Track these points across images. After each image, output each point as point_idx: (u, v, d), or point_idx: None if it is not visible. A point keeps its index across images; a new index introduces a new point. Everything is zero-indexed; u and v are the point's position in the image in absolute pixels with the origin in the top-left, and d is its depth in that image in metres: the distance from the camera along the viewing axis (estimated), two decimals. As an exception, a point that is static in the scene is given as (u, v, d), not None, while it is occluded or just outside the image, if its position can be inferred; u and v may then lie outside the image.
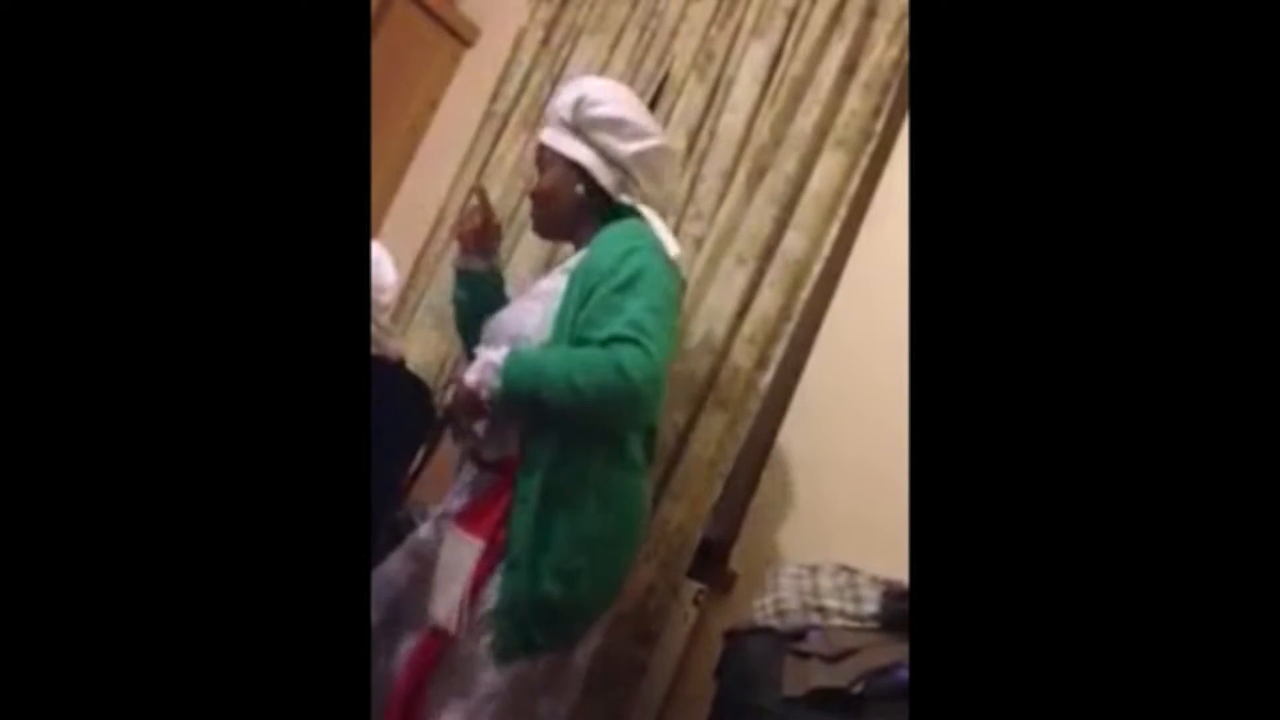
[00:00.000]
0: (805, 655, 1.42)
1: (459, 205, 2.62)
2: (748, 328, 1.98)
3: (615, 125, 1.65)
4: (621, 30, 2.48)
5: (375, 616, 1.58)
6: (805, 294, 1.98)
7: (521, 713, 1.51)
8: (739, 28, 2.25)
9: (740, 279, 2.01)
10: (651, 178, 1.71)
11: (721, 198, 2.11)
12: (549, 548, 1.49)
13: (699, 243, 2.09)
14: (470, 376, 1.54)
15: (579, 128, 1.67)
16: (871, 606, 1.48)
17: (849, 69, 2.05)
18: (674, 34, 2.38)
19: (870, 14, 2.07)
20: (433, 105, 2.94)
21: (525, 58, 2.66)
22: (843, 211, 1.99)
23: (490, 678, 1.48)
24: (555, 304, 1.59)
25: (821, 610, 1.49)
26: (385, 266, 1.98)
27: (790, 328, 1.98)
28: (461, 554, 1.53)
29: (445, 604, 1.50)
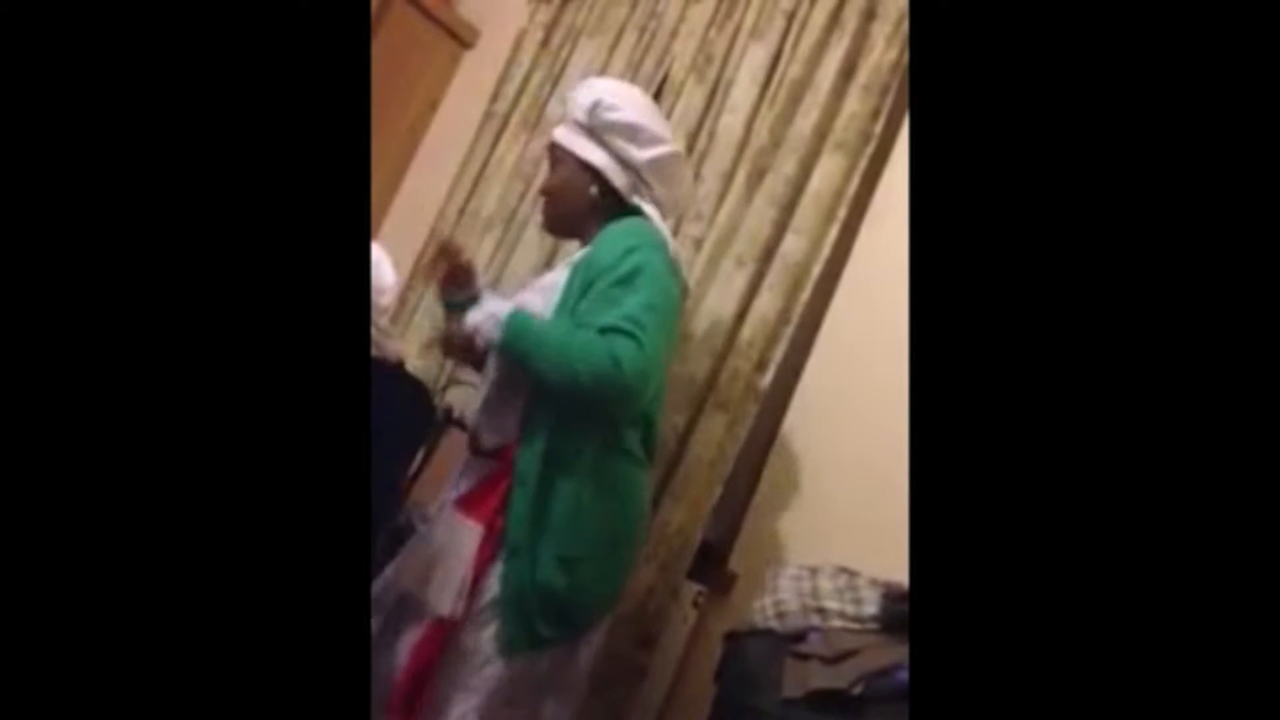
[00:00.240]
0: (805, 657, 1.42)
1: (459, 206, 2.62)
2: (747, 330, 1.98)
3: (631, 131, 1.66)
4: (621, 32, 2.49)
5: (377, 622, 1.58)
6: (805, 296, 1.98)
7: (527, 709, 1.52)
8: (738, 30, 2.26)
9: (740, 281, 2.01)
10: (664, 182, 1.72)
11: (721, 199, 2.11)
12: (548, 533, 1.50)
13: (698, 244, 2.09)
14: (472, 320, 1.57)
15: (594, 130, 1.67)
16: (871, 608, 1.47)
17: (848, 71, 2.05)
18: (673, 36, 2.38)
19: (869, 16, 2.07)
20: (432, 106, 2.95)
21: (524, 59, 2.67)
22: (842, 213, 1.99)
23: (494, 671, 1.49)
24: (555, 296, 1.60)
25: (821, 612, 1.49)
26: (384, 268, 1.98)
27: (790, 330, 1.98)
28: (461, 538, 1.53)
29: (447, 590, 1.50)
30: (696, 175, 2.15)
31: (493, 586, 1.50)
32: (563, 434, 1.53)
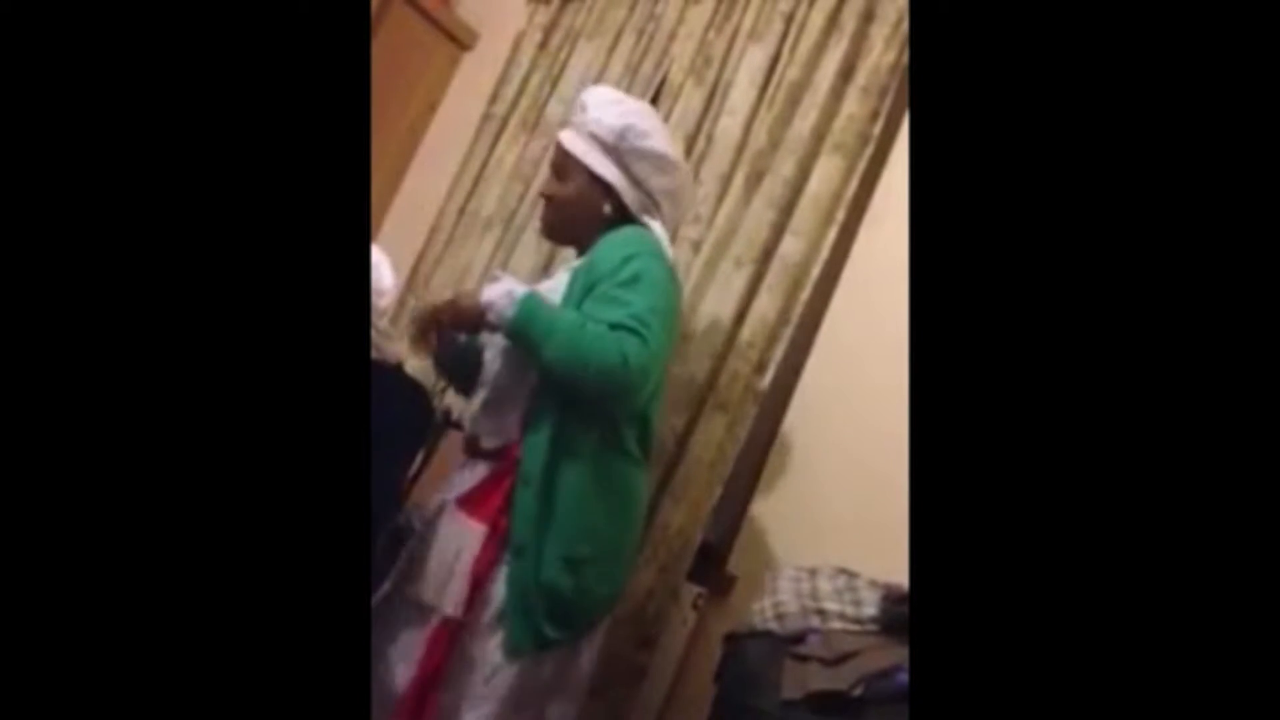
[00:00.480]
0: (804, 658, 1.42)
1: (458, 208, 2.62)
2: (746, 331, 1.98)
3: (657, 160, 1.69)
4: (619, 34, 2.49)
5: (378, 626, 1.58)
6: (803, 297, 1.98)
7: (534, 712, 1.52)
8: (736, 32, 2.26)
9: (738, 282, 2.01)
10: (674, 204, 1.76)
11: (719, 201, 2.11)
12: (553, 533, 1.51)
13: (697, 246, 2.09)
14: (488, 295, 1.56)
15: (619, 152, 1.68)
16: (871, 609, 1.47)
17: (846, 73, 2.05)
18: (672, 38, 2.38)
19: (867, 18, 2.07)
20: (431, 108, 2.95)
21: (523, 61, 2.67)
22: (840, 215, 1.99)
23: (503, 679, 1.49)
24: (556, 301, 1.61)
25: (821, 613, 1.49)
26: (384, 270, 1.98)
27: (788, 331, 1.98)
28: (463, 539, 1.54)
29: (450, 590, 1.51)
30: (695, 177, 2.14)
31: (499, 593, 1.51)
32: (565, 433, 1.53)
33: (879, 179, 2.05)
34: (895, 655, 1.36)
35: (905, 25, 2.01)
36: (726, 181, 2.12)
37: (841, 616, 1.48)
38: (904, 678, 1.31)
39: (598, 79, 2.47)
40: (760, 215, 2.03)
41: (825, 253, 1.99)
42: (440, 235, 2.63)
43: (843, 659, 1.39)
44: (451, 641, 1.50)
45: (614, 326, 1.49)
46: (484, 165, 2.62)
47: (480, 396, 1.68)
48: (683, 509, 1.93)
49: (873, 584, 1.52)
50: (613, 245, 1.61)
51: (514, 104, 2.63)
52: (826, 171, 2.00)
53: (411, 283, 2.62)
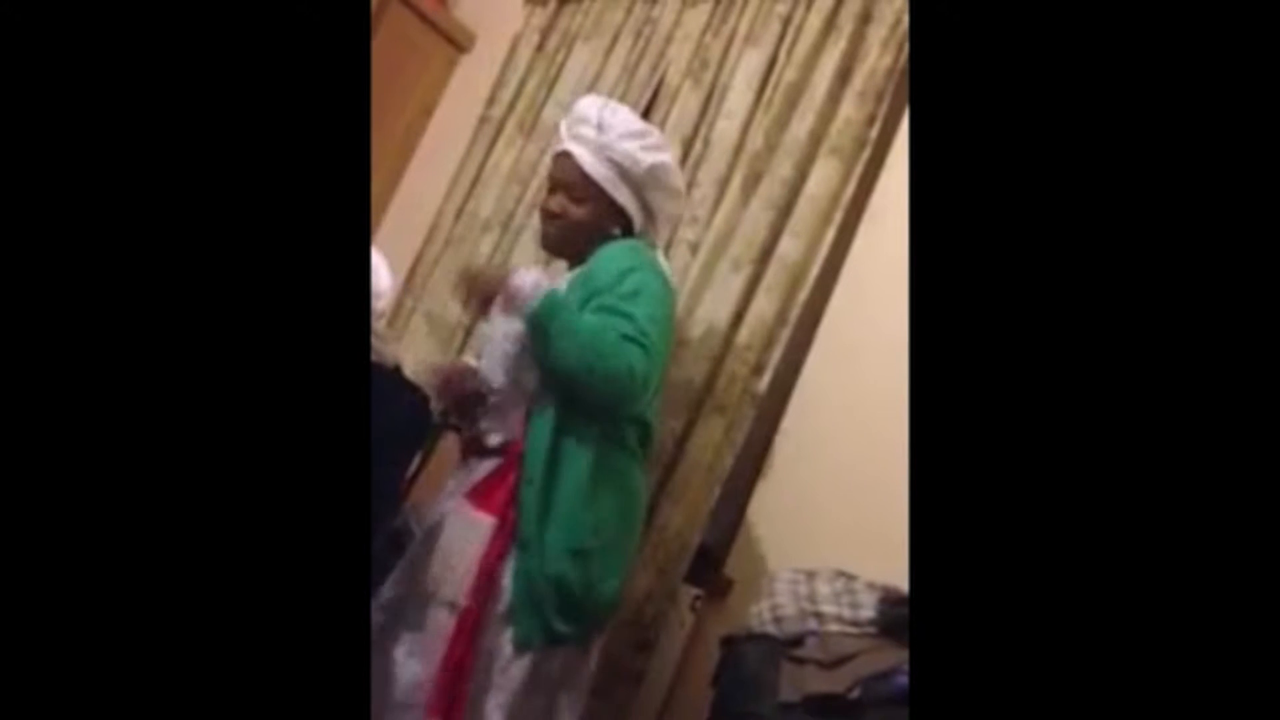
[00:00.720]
0: (802, 661, 1.43)
1: (455, 210, 2.62)
2: (744, 333, 1.98)
3: (674, 192, 1.78)
4: (616, 36, 2.49)
5: (382, 622, 1.59)
6: (801, 299, 1.98)
7: (545, 701, 1.55)
8: (733, 35, 2.26)
9: (736, 284, 2.01)
10: (669, 225, 1.86)
11: (717, 204, 2.11)
12: (557, 527, 1.54)
13: (695, 248, 2.09)
14: (519, 279, 1.58)
15: (642, 186, 1.72)
16: (869, 612, 1.48)
17: (843, 76, 2.05)
18: (669, 40, 2.38)
19: (864, 21, 2.07)
20: (428, 111, 2.95)
21: (520, 63, 2.67)
22: (838, 217, 2.00)
23: (514, 669, 1.52)
24: None
25: (819, 616, 1.50)
26: (381, 272, 1.97)
27: (786, 333, 1.98)
28: (472, 532, 1.57)
29: (464, 583, 1.54)
30: (692, 180, 2.15)
31: (509, 588, 1.54)
32: (566, 430, 1.58)
33: (876, 181, 2.05)
34: (893, 657, 1.36)
35: (902, 28, 2.01)
36: (724, 184, 2.12)
37: (839, 619, 1.48)
38: (902, 680, 1.31)
39: (595, 81, 2.47)
40: (758, 218, 2.03)
41: (822, 255, 1.99)
42: (438, 237, 2.63)
43: (840, 661, 1.39)
44: (472, 634, 1.53)
45: (625, 339, 1.54)
46: (481, 167, 2.62)
47: (485, 392, 1.71)
48: (680, 511, 1.93)
49: (870, 586, 1.53)
50: (612, 258, 1.64)
51: (511, 106, 2.63)
52: (823, 174, 2.00)
53: (409, 285, 2.62)
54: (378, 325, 1.94)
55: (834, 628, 1.47)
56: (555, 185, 1.75)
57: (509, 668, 1.52)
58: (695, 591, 1.96)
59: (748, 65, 2.18)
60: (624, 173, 1.70)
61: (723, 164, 2.13)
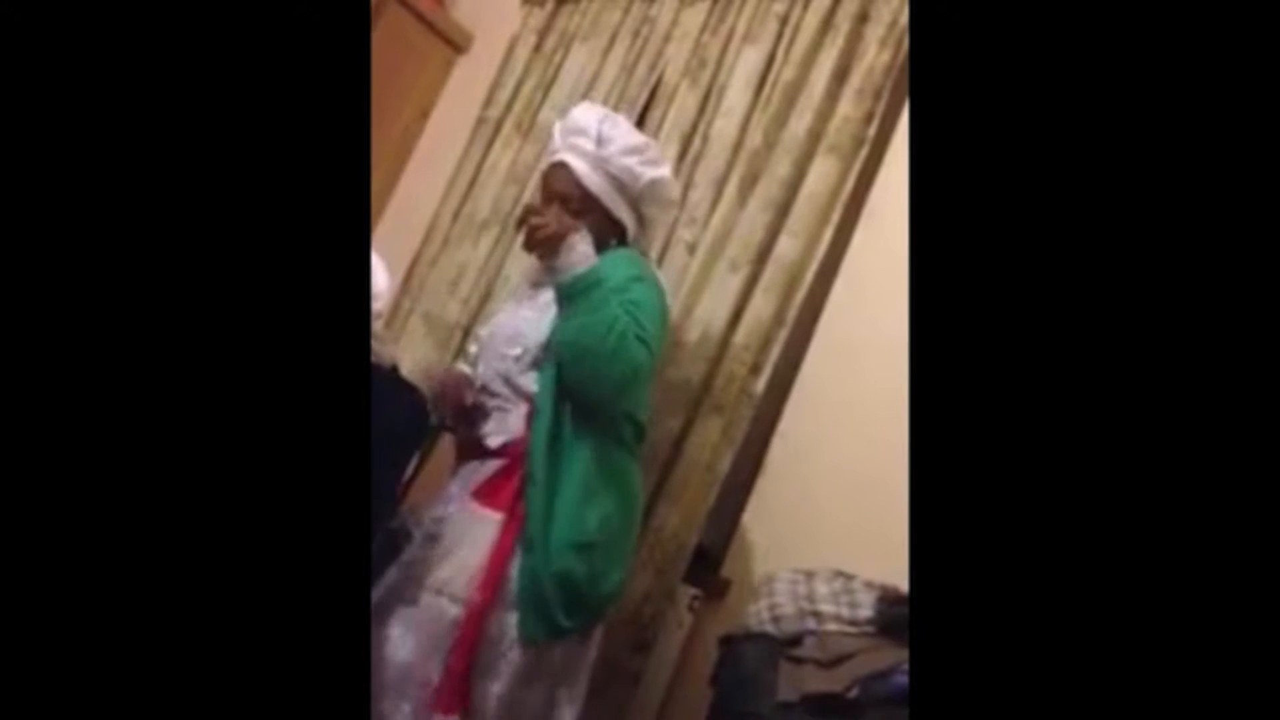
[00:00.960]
0: (801, 661, 1.42)
1: (453, 211, 2.62)
2: (742, 333, 1.98)
3: (668, 204, 1.82)
4: (614, 36, 2.49)
5: (383, 620, 1.60)
6: (799, 299, 1.98)
7: (544, 693, 1.57)
8: (731, 34, 2.26)
9: (734, 284, 2.01)
10: (660, 231, 1.92)
11: (715, 203, 2.11)
12: (561, 523, 1.56)
13: (692, 248, 2.09)
14: (573, 244, 1.58)
15: (639, 198, 1.75)
16: (867, 611, 1.48)
17: (841, 75, 2.05)
18: (666, 40, 2.38)
19: (862, 19, 2.07)
20: (425, 111, 2.95)
21: (518, 64, 2.67)
22: (836, 216, 2.00)
23: (516, 655, 1.54)
24: (551, 316, 1.65)
25: (817, 615, 1.49)
26: (378, 274, 1.97)
27: (784, 333, 1.98)
28: (481, 528, 1.59)
29: (475, 579, 1.56)
30: (690, 180, 2.15)
31: (514, 578, 1.56)
32: (566, 430, 1.60)
33: (874, 180, 2.05)
34: (891, 657, 1.36)
35: (899, 26, 2.01)
36: (722, 183, 2.12)
37: (837, 618, 1.48)
38: (900, 679, 1.31)
39: (592, 82, 2.47)
40: (756, 217, 2.03)
41: (821, 254, 1.99)
42: (435, 238, 2.63)
43: (839, 661, 1.39)
44: (481, 624, 1.54)
45: (639, 338, 1.57)
46: (479, 168, 2.62)
47: (483, 401, 1.72)
48: (678, 511, 1.93)
49: (869, 586, 1.53)
50: (616, 265, 1.65)
51: (508, 107, 2.63)
52: (822, 173, 2.00)
53: (407, 285, 2.61)
54: (375, 326, 1.94)
55: (832, 627, 1.47)
56: (550, 196, 1.72)
57: (509, 655, 1.54)
58: (693, 591, 1.96)
59: (745, 64, 2.18)
60: (622, 187, 1.72)
61: (721, 163, 2.13)
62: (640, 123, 2.30)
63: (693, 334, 2.02)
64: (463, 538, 1.60)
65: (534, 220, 1.61)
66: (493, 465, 1.66)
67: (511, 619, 1.55)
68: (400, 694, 1.53)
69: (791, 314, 1.98)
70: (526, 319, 1.72)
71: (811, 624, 1.49)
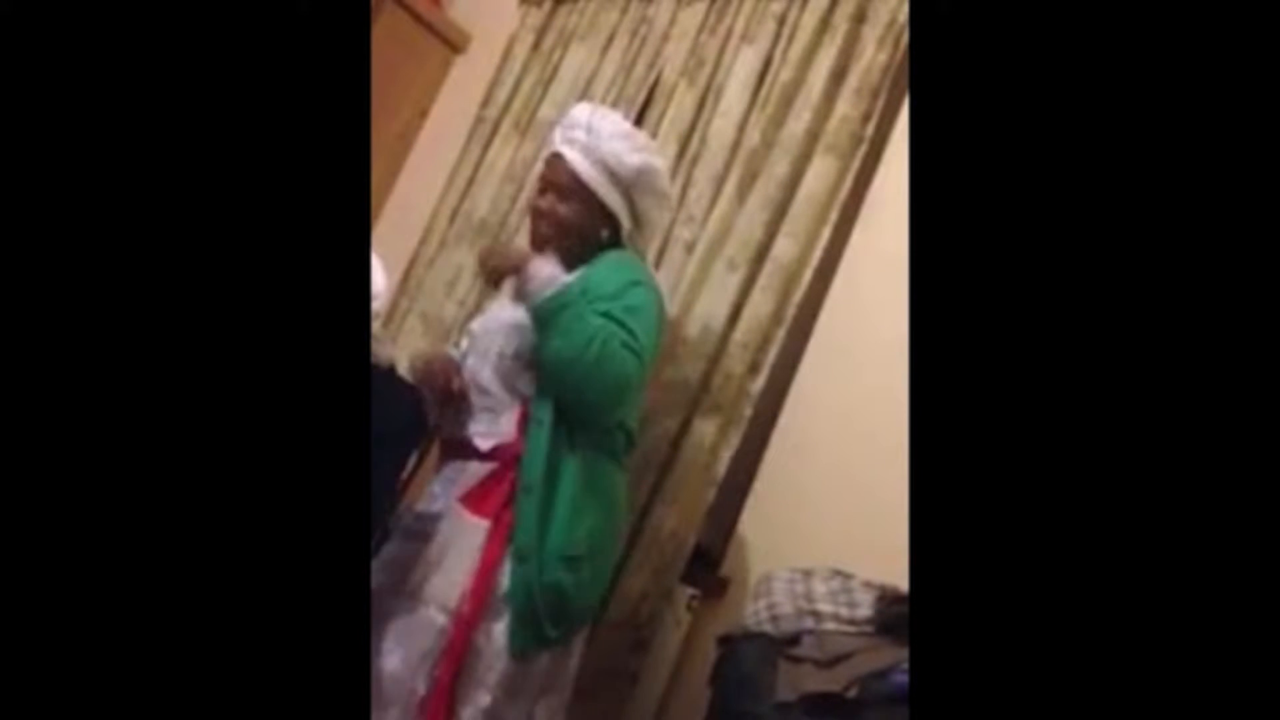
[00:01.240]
0: (799, 660, 1.42)
1: (450, 210, 2.62)
2: (740, 333, 1.98)
3: (661, 197, 1.81)
4: (612, 36, 2.49)
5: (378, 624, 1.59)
6: (797, 298, 1.98)
7: (527, 704, 1.57)
8: (729, 34, 2.26)
9: (732, 284, 2.01)
10: (653, 232, 1.88)
11: (713, 203, 2.11)
12: (553, 535, 1.56)
13: (690, 247, 2.09)
14: (536, 268, 1.61)
15: (630, 187, 1.74)
16: (865, 610, 1.48)
17: (839, 74, 2.05)
18: (665, 39, 2.38)
19: (859, 19, 2.07)
20: (423, 111, 2.94)
21: (516, 64, 2.67)
22: (834, 216, 2.00)
23: (502, 666, 1.54)
24: None
25: (815, 615, 1.49)
26: (377, 273, 1.97)
27: (782, 332, 1.98)
28: (468, 537, 1.59)
29: (461, 588, 1.55)
30: (689, 179, 2.15)
31: (503, 583, 1.55)
32: (562, 440, 1.60)
33: (872, 179, 2.05)
34: (890, 656, 1.36)
35: (897, 25, 2.02)
36: (720, 183, 2.12)
37: (836, 618, 1.48)
38: (898, 678, 1.31)
39: (590, 81, 2.47)
40: (754, 216, 2.03)
41: (819, 253, 1.99)
42: (433, 238, 2.63)
43: (837, 660, 1.39)
44: (469, 635, 1.54)
45: (625, 346, 1.57)
46: (476, 168, 2.62)
47: (473, 401, 1.71)
48: (676, 511, 1.93)
49: (867, 585, 1.52)
50: (614, 267, 1.67)
51: (506, 106, 2.63)
52: (820, 172, 2.00)
53: (404, 285, 2.61)
54: (373, 326, 1.94)
55: (831, 626, 1.47)
56: (546, 186, 1.77)
57: (496, 664, 1.54)
58: (692, 591, 1.95)
59: (743, 64, 2.18)
60: (611, 173, 1.72)
61: (719, 163, 2.13)
62: (638, 122, 2.30)
63: (691, 333, 2.02)
64: (449, 545, 1.59)
65: (483, 256, 1.69)
66: (481, 469, 1.64)
67: (498, 629, 1.54)
68: (388, 704, 1.52)
69: (790, 313, 1.98)
70: (524, 323, 1.68)
71: (810, 623, 1.49)
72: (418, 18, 2.87)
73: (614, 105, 2.36)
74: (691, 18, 2.35)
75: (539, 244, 1.79)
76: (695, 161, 2.17)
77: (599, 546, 1.64)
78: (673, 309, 1.97)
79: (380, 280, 1.97)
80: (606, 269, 1.67)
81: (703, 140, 2.18)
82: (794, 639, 1.47)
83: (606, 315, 1.59)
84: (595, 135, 1.73)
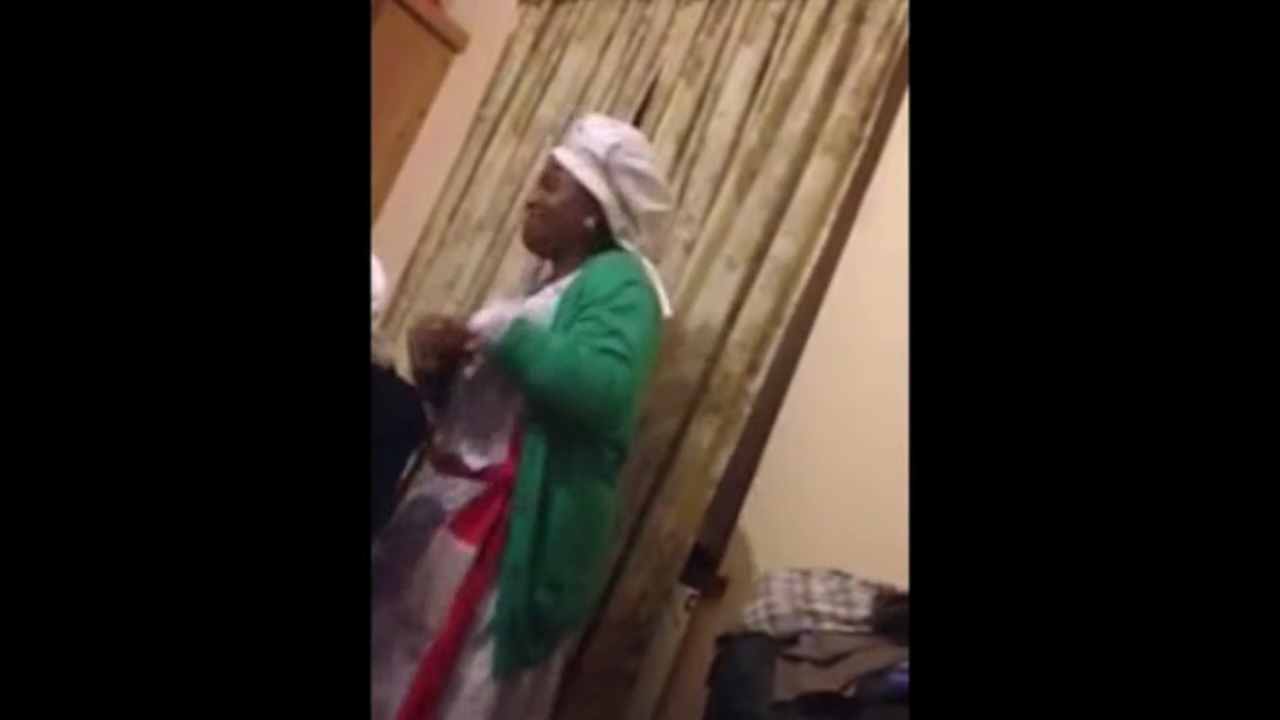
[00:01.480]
0: (797, 660, 1.42)
1: (449, 210, 2.62)
2: (738, 332, 1.98)
3: (643, 181, 1.75)
4: (611, 36, 2.49)
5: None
6: (796, 298, 1.98)
7: None
8: (727, 34, 2.26)
9: (731, 283, 2.01)
10: (651, 233, 1.83)
11: (711, 202, 2.11)
12: (543, 557, 1.55)
13: (689, 247, 2.09)
14: (478, 321, 1.62)
15: (609, 169, 1.73)
16: (863, 610, 1.48)
17: (837, 74, 2.06)
18: (663, 40, 2.38)
19: (858, 20, 2.07)
20: (422, 111, 2.94)
21: (515, 63, 2.67)
22: (832, 215, 2.00)
23: (485, 696, 1.53)
24: (547, 320, 1.64)
25: (813, 614, 1.49)
26: (376, 274, 1.97)
27: (781, 332, 1.98)
28: (454, 564, 1.57)
29: (444, 613, 1.55)
30: (687, 179, 2.15)
31: (487, 613, 1.55)
32: (557, 461, 1.58)
33: (870, 179, 2.05)
34: (888, 656, 1.36)
35: (895, 26, 2.02)
36: (719, 182, 2.12)
37: (834, 618, 1.48)
38: (897, 678, 1.31)
39: (589, 81, 2.47)
40: (752, 216, 2.03)
41: (817, 253, 1.99)
42: (431, 238, 2.63)
43: (835, 660, 1.39)
44: (445, 662, 1.53)
45: (604, 351, 1.54)
46: (475, 168, 2.62)
47: (458, 418, 1.70)
48: (675, 511, 1.93)
49: (865, 585, 1.53)
50: (608, 268, 1.65)
51: (505, 106, 2.63)
52: (818, 172, 2.00)
53: (403, 285, 2.61)
54: (373, 326, 1.94)
55: (829, 626, 1.47)
56: (538, 183, 1.82)
57: (479, 695, 1.53)
58: (690, 591, 1.95)
59: (742, 64, 2.19)
60: (590, 155, 1.74)
61: (717, 163, 2.13)
62: (637, 122, 2.30)
63: (689, 333, 2.02)
64: (434, 570, 1.58)
65: (421, 340, 1.65)
66: (471, 489, 1.63)
67: (480, 658, 1.54)
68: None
69: (788, 313, 1.98)
70: (531, 311, 1.67)
71: (808, 623, 1.49)
72: (417, 17, 2.87)
73: (612, 105, 2.37)
74: (690, 18, 2.35)
75: (528, 238, 1.81)
76: (694, 161, 2.17)
77: (583, 570, 1.64)
78: (671, 308, 1.96)
79: (379, 280, 1.98)
80: (601, 270, 1.66)
81: (701, 140, 2.18)
82: (792, 639, 1.47)
83: (592, 320, 1.57)
84: (579, 131, 1.78)
